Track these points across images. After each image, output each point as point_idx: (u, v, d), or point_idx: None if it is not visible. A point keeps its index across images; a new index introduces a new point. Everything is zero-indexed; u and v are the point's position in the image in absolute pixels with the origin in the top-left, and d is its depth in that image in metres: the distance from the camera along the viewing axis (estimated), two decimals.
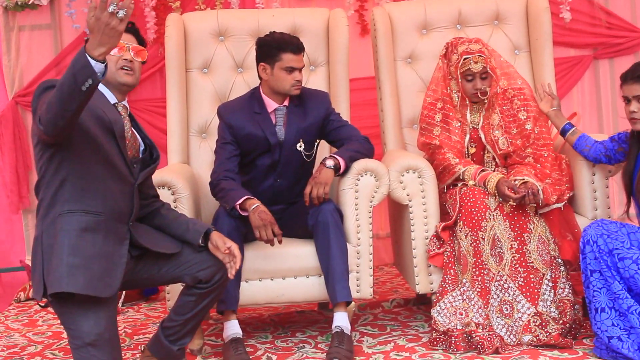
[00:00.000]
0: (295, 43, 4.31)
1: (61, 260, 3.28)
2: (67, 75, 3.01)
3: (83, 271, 3.29)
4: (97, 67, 2.99)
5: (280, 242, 4.09)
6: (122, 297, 5.31)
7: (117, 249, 3.46)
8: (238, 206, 4.11)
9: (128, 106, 3.60)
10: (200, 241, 3.67)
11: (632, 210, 4.00)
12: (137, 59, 3.57)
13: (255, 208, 4.09)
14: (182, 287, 3.77)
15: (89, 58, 2.97)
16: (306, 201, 4.17)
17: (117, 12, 2.96)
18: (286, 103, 4.39)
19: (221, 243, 3.64)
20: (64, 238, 3.31)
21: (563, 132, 4.30)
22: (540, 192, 4.13)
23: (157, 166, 3.69)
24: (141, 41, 3.64)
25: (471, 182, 4.26)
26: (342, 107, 4.77)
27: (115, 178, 3.45)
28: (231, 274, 3.64)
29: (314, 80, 4.88)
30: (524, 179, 4.17)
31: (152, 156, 3.66)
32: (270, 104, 4.38)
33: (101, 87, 3.48)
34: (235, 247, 3.64)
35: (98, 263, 3.35)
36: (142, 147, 3.60)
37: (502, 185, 4.14)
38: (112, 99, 3.52)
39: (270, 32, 4.41)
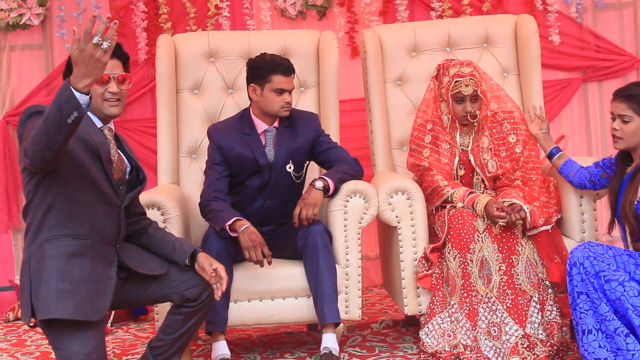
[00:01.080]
0: (286, 65, 4.32)
1: (50, 286, 3.29)
2: (52, 108, 3.00)
3: (72, 296, 3.31)
4: (82, 99, 2.98)
5: (269, 263, 4.10)
6: (111, 317, 5.30)
7: (105, 272, 3.47)
8: (228, 227, 4.12)
9: (114, 128, 3.60)
10: (187, 261, 3.67)
11: (617, 232, 4.01)
12: (123, 88, 3.53)
13: (245, 229, 4.10)
14: (170, 307, 3.77)
15: (73, 90, 2.97)
16: (295, 222, 4.18)
17: (102, 44, 2.95)
18: (276, 124, 4.40)
19: (207, 265, 3.64)
20: (52, 264, 3.32)
21: (550, 156, 4.32)
22: (528, 213, 4.15)
23: (143, 188, 3.70)
24: (125, 61, 3.59)
25: (460, 204, 4.28)
26: (332, 128, 4.79)
27: (101, 202, 3.45)
28: (217, 295, 3.64)
29: (304, 102, 4.90)
30: (511, 201, 4.19)
31: (139, 177, 3.66)
32: (260, 125, 4.39)
33: (89, 113, 3.46)
34: (221, 269, 3.64)
35: (86, 287, 3.37)
36: (128, 169, 3.61)
37: (490, 207, 4.15)
38: (97, 122, 3.51)
39: (261, 53, 4.43)
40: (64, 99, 2.98)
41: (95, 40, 2.95)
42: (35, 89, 5.80)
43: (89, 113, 3.46)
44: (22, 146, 3.28)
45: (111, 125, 3.58)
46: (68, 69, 3.43)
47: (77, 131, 3.25)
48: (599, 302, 3.72)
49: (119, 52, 3.51)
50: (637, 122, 3.87)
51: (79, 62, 2.97)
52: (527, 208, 4.18)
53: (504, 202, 4.19)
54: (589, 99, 6.04)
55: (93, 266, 3.42)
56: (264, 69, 4.32)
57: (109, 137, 3.53)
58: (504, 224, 4.14)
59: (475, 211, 4.21)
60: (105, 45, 2.96)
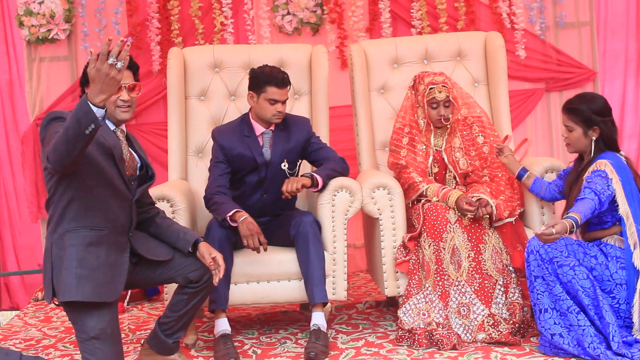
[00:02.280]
0: (280, 78, 4.30)
1: (70, 272, 3.33)
2: (71, 121, 3.02)
3: (89, 281, 3.35)
4: (99, 112, 3.01)
5: (265, 249, 4.12)
6: (127, 297, 5.31)
7: (119, 258, 3.50)
8: (228, 217, 4.14)
9: (125, 130, 3.61)
10: (190, 249, 3.69)
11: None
12: (133, 96, 3.55)
13: (244, 220, 4.11)
14: (176, 288, 3.79)
15: (90, 105, 2.98)
16: (283, 193, 4.20)
17: (116, 64, 2.97)
18: (272, 127, 4.41)
19: (207, 254, 3.65)
20: (71, 252, 3.36)
21: (519, 177, 4.30)
22: (494, 207, 4.16)
23: (152, 183, 3.71)
24: (135, 71, 3.59)
25: (434, 199, 4.29)
26: (322, 131, 4.79)
27: (115, 196, 3.47)
28: (215, 281, 3.65)
29: (298, 107, 4.90)
30: (479, 196, 4.20)
31: (148, 173, 3.67)
32: (258, 128, 4.40)
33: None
34: (219, 257, 3.65)
35: (102, 272, 3.41)
36: (139, 165, 3.61)
37: (461, 201, 4.17)
38: (111, 126, 3.52)
39: (263, 65, 4.43)
40: (83, 113, 3.00)
41: (110, 60, 2.96)
42: (62, 96, 5.80)
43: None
44: (43, 149, 3.30)
45: (123, 127, 3.59)
46: (84, 77, 3.44)
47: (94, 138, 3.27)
48: (553, 284, 3.74)
49: (129, 63, 3.48)
50: (579, 131, 3.93)
51: (96, 80, 2.99)
52: (493, 202, 4.19)
53: (472, 197, 4.21)
54: (551, 106, 6.04)
55: (108, 254, 3.44)
56: (261, 79, 4.31)
57: (121, 138, 3.54)
58: (472, 216, 4.16)
59: (448, 204, 4.22)
60: (119, 65, 2.98)
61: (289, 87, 4.36)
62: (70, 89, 5.79)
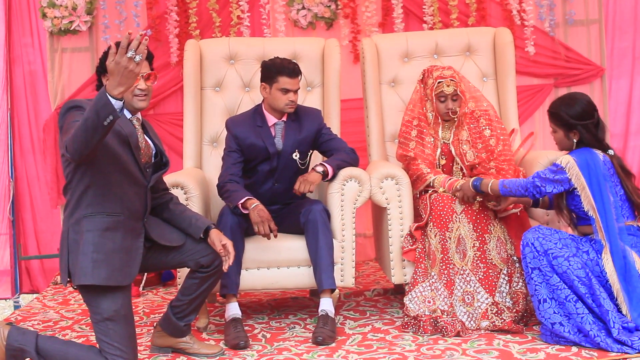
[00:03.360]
0: (292, 68, 4.32)
1: (87, 257, 3.34)
2: (90, 112, 3.02)
3: (105, 265, 3.36)
4: (117, 104, 3.02)
5: (275, 236, 4.12)
6: (143, 282, 5.34)
7: (134, 243, 3.51)
8: (240, 205, 4.14)
9: (141, 118, 3.61)
10: (201, 235, 3.70)
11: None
12: (149, 84, 3.56)
13: (255, 207, 4.12)
14: (187, 272, 3.80)
15: (109, 97, 2.99)
16: (295, 192, 4.23)
17: (135, 57, 2.98)
18: (284, 118, 4.41)
19: (217, 241, 3.67)
20: (88, 237, 3.36)
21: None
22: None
23: (167, 170, 3.71)
24: (151, 60, 3.60)
25: (441, 189, 4.28)
26: (334, 122, 4.78)
27: (131, 183, 3.48)
28: (225, 267, 3.67)
29: (310, 99, 4.90)
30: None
31: (162, 160, 3.67)
32: (271, 119, 4.40)
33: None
34: (229, 244, 3.66)
35: (118, 257, 3.42)
36: (154, 152, 3.62)
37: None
38: (127, 114, 3.53)
39: (274, 57, 4.44)
40: (101, 105, 3.01)
41: (129, 54, 2.98)
42: (82, 86, 5.81)
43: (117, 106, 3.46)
44: (62, 137, 3.30)
45: (139, 115, 3.59)
46: (102, 66, 3.45)
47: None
48: (550, 275, 3.74)
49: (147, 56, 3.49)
50: (560, 132, 3.94)
51: (115, 73, 3.00)
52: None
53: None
54: None
55: (124, 239, 3.45)
56: (273, 70, 4.32)
57: (137, 126, 3.54)
58: (477, 201, 4.17)
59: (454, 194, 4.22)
60: (137, 58, 2.99)
61: (300, 77, 4.36)
62: (90, 79, 5.80)
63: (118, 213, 3.45)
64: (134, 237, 3.52)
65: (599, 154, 3.83)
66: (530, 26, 5.85)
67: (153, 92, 5.67)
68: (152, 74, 3.57)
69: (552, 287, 3.75)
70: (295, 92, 4.34)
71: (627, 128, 6.01)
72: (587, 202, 3.79)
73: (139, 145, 3.49)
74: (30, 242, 5.88)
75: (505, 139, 4.45)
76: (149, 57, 3.58)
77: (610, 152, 3.88)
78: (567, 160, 3.82)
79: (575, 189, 3.81)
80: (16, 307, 5.37)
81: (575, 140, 3.89)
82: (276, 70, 4.31)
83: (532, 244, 3.80)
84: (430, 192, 4.32)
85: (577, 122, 3.86)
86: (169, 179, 4.20)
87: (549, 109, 3.98)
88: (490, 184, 4.04)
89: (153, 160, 3.61)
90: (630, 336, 3.62)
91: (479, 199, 4.18)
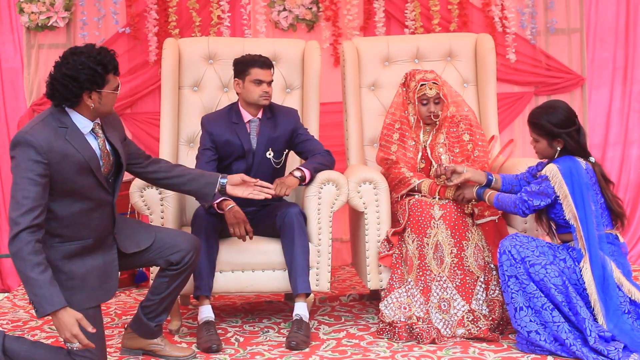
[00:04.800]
0: (263, 60, 4.31)
1: (61, 285, 3.23)
2: (27, 286, 3.15)
3: (79, 290, 3.35)
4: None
5: (251, 238, 4.08)
6: None
7: (107, 257, 3.50)
8: (216, 205, 4.08)
9: (100, 121, 3.47)
10: (217, 189, 3.74)
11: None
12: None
13: (231, 208, 4.07)
14: (157, 271, 3.74)
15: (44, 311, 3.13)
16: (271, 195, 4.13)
17: (73, 347, 3.23)
18: (259, 116, 4.36)
19: (238, 178, 3.78)
20: (58, 266, 3.31)
21: (488, 185, 4.14)
22: (465, 169, 4.12)
23: (123, 172, 3.59)
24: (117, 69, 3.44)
25: (437, 198, 4.20)
26: (313, 125, 4.72)
27: (97, 207, 3.42)
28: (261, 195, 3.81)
29: (289, 101, 4.83)
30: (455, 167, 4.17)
31: (120, 160, 3.55)
32: (246, 115, 4.35)
33: (75, 118, 3.34)
34: (258, 181, 3.82)
35: (93, 277, 3.41)
36: (112, 157, 3.52)
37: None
38: (87, 127, 3.38)
39: (245, 54, 4.42)
40: (41, 302, 3.13)
41: (73, 345, 3.19)
42: None
43: (76, 119, 3.34)
44: (13, 173, 3.24)
45: (98, 120, 3.44)
46: (52, 89, 3.32)
47: (70, 160, 3.26)
48: (527, 283, 3.71)
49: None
50: (543, 142, 3.88)
51: (59, 328, 3.16)
52: (466, 169, 4.13)
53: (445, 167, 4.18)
54: None
55: (95, 258, 3.44)
56: (244, 64, 4.31)
57: (100, 134, 3.44)
58: (449, 182, 4.13)
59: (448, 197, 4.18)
60: (75, 346, 3.21)
61: (272, 70, 4.33)
62: None
63: (85, 238, 3.41)
64: (106, 252, 3.51)
65: (582, 162, 3.79)
66: (511, 33, 5.81)
67: (131, 91, 5.70)
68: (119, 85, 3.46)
69: (529, 295, 3.71)
70: (269, 84, 4.30)
71: (606, 138, 5.99)
72: (569, 211, 3.75)
73: (99, 165, 3.40)
74: (2, 240, 5.77)
75: (483, 145, 4.42)
76: (116, 69, 3.41)
77: (592, 159, 3.84)
78: (550, 168, 3.78)
79: (558, 197, 3.76)
80: None
81: (558, 149, 3.85)
82: (247, 63, 4.29)
83: (509, 251, 3.76)
84: (409, 197, 4.25)
85: (561, 131, 3.82)
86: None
87: (530, 118, 3.92)
88: (489, 194, 4.01)
89: (114, 165, 3.52)
90: (607, 345, 3.58)
91: (473, 202, 4.14)
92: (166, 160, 3.89)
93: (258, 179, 3.83)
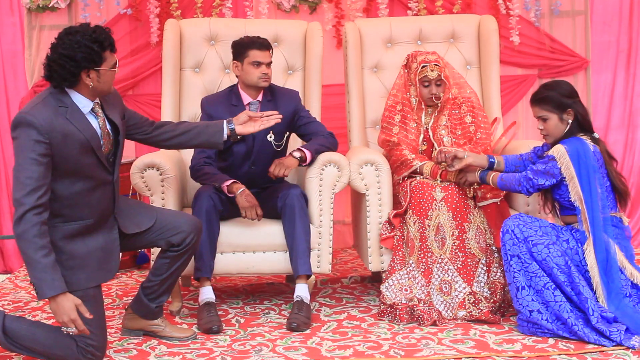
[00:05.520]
0: (261, 41, 4.28)
1: (62, 265, 3.25)
2: (31, 269, 3.18)
3: (80, 270, 3.35)
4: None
5: (259, 220, 4.10)
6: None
7: (109, 237, 3.50)
8: (226, 187, 4.07)
9: (99, 101, 3.46)
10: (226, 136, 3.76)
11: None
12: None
13: (242, 192, 4.10)
14: (158, 252, 3.73)
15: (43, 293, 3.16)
16: (270, 175, 4.16)
17: (69, 331, 3.24)
18: (260, 98, 4.33)
19: (250, 126, 3.78)
20: (59, 246, 3.30)
21: (490, 168, 4.11)
22: (466, 155, 4.08)
23: (122, 148, 3.58)
24: (113, 47, 3.42)
25: (439, 180, 4.18)
26: (314, 107, 4.70)
27: (98, 187, 3.42)
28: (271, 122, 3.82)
29: (291, 83, 4.80)
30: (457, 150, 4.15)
31: (118, 135, 3.53)
32: (246, 98, 4.33)
33: (75, 98, 3.34)
34: (263, 114, 3.85)
35: (94, 257, 3.41)
36: (112, 136, 3.51)
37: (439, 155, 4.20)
38: (87, 105, 3.38)
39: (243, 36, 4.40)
40: (41, 285, 3.17)
41: (69, 329, 3.23)
42: None
43: (77, 99, 3.34)
44: (15, 153, 3.26)
45: (97, 100, 3.44)
46: (50, 70, 3.31)
47: (70, 139, 3.25)
48: (529, 262, 3.69)
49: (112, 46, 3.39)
50: (554, 118, 3.83)
51: (56, 314, 3.21)
52: (467, 155, 4.09)
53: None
54: None
55: (96, 238, 3.44)
56: (242, 46, 4.28)
57: (100, 113, 3.43)
58: (451, 168, 4.10)
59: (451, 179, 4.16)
60: (71, 330, 3.23)
61: (271, 52, 4.30)
62: None
63: (87, 218, 3.40)
64: (107, 232, 3.51)
65: (590, 144, 3.77)
66: (515, 15, 5.76)
67: (133, 72, 5.68)
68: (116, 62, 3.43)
69: (530, 275, 3.69)
70: (268, 65, 4.27)
71: (609, 122, 5.95)
72: (575, 193, 3.73)
73: (100, 145, 3.40)
74: (5, 222, 5.76)
75: (485, 127, 4.40)
76: (112, 46, 3.39)
77: (596, 135, 3.82)
78: (558, 149, 3.75)
79: (564, 178, 3.74)
80: None
81: (569, 122, 3.81)
82: (246, 45, 4.27)
83: (512, 230, 3.74)
84: (411, 179, 4.24)
85: (570, 100, 3.79)
86: (144, 158, 4.13)
87: (535, 96, 3.88)
88: (492, 176, 3.98)
89: (114, 144, 3.51)
90: (609, 327, 3.57)
91: (475, 186, 4.12)
92: (169, 121, 3.89)
93: (263, 112, 3.85)
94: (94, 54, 3.27)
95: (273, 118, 3.82)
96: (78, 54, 3.24)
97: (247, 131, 3.78)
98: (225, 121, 3.77)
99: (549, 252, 3.66)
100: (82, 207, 3.37)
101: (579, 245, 3.73)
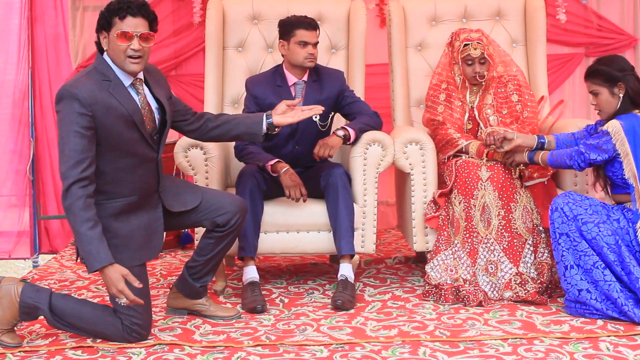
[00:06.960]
0: (308, 21, 4.24)
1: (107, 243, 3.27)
2: (81, 244, 3.21)
3: (125, 248, 3.35)
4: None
5: (304, 200, 4.08)
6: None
7: (153, 216, 3.50)
8: (270, 167, 4.06)
9: (142, 77, 3.46)
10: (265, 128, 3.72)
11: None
12: (146, 45, 3.35)
13: (286, 171, 4.08)
14: (203, 232, 3.72)
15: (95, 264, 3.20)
16: (315, 157, 4.13)
17: (121, 301, 3.24)
18: (305, 78, 4.30)
19: (283, 107, 3.74)
20: (104, 224, 3.29)
21: (541, 148, 4.02)
22: (516, 136, 4.02)
23: (168, 127, 3.57)
24: (151, 21, 3.38)
25: (485, 159, 4.13)
26: (358, 86, 4.67)
27: (141, 163, 3.42)
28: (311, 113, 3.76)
29: (334, 62, 4.77)
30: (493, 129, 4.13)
31: (165, 117, 3.53)
32: (291, 78, 4.30)
33: (117, 71, 3.35)
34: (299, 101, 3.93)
35: (138, 236, 3.41)
36: (157, 115, 3.50)
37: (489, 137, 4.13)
38: (126, 80, 3.38)
39: (290, 15, 4.36)
40: (89, 258, 3.21)
41: (121, 300, 3.23)
42: None
43: (119, 73, 3.35)
44: (58, 127, 3.28)
45: (140, 75, 3.43)
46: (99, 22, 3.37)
47: (114, 111, 3.26)
48: (578, 241, 3.63)
49: (144, 11, 3.35)
50: (605, 92, 3.77)
51: (107, 284, 3.22)
52: (516, 136, 4.02)
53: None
54: None
55: (140, 217, 3.44)
56: (289, 25, 4.24)
57: (140, 90, 3.42)
58: (500, 150, 4.04)
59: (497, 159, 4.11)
60: (122, 301, 3.23)
61: (318, 32, 4.27)
62: None
63: (130, 195, 3.41)
64: (151, 211, 3.51)
65: None
66: None
67: (176, 53, 5.68)
68: (151, 35, 3.38)
69: (579, 254, 3.63)
70: (314, 45, 4.24)
71: None
72: (629, 170, 3.66)
73: (143, 120, 3.39)
74: (50, 202, 5.82)
75: (532, 105, 4.33)
76: (150, 17, 3.38)
77: None
78: (613, 124, 3.68)
79: (618, 155, 3.67)
80: (35, 267, 5.33)
81: (621, 96, 3.73)
82: (293, 24, 4.23)
83: (562, 209, 3.68)
84: (456, 158, 4.19)
85: (620, 74, 3.72)
86: (187, 139, 4.10)
87: (587, 71, 3.84)
88: (541, 154, 3.92)
89: (157, 122, 3.50)
90: None
91: (522, 167, 4.06)
92: (209, 112, 3.87)
93: (302, 107, 3.81)
94: (104, 18, 3.34)
95: (314, 111, 3.76)
96: (99, 18, 3.36)
97: (285, 121, 3.73)
98: (264, 114, 3.73)
99: (599, 231, 3.59)
100: (125, 184, 3.38)
101: (630, 225, 3.66)
